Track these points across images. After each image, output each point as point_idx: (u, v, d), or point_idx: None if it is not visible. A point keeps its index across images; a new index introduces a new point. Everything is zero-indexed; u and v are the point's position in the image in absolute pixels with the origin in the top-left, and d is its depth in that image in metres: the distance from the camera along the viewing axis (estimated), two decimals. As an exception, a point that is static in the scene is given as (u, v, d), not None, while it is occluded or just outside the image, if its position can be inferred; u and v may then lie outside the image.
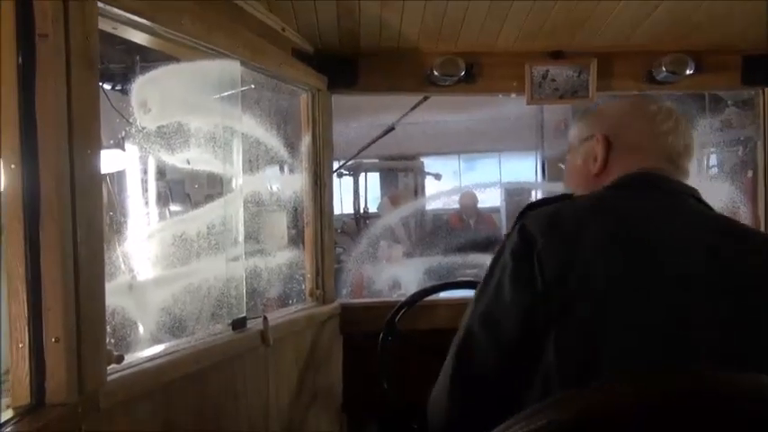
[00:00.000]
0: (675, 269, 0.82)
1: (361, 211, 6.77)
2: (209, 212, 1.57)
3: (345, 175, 6.57)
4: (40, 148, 0.89)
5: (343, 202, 6.59)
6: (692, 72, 1.99)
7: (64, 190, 0.92)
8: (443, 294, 1.93)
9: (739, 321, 0.79)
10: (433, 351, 1.12)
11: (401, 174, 7.47)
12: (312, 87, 1.95)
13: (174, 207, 4.24)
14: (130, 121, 1.36)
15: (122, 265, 1.61)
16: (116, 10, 1.08)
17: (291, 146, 2.12)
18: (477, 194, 5.91)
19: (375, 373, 1.68)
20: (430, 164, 7.49)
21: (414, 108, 2.29)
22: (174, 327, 1.51)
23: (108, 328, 1.06)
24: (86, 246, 0.96)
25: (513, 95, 2.11)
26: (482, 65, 2.03)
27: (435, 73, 1.96)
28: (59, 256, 0.91)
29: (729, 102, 4.92)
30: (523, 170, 7.25)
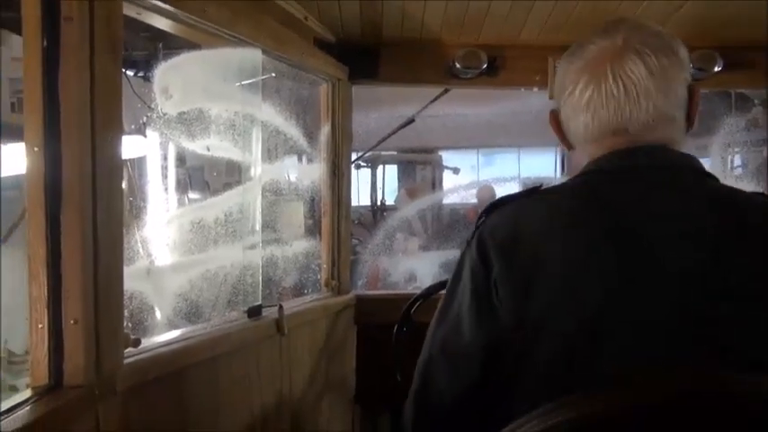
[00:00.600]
0: (670, 265, 0.75)
1: (379, 203, 6.78)
2: (227, 200, 1.57)
3: (363, 166, 6.57)
4: (62, 132, 0.90)
5: (360, 194, 6.60)
6: (719, 69, 1.95)
7: (85, 173, 0.92)
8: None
9: (742, 317, 0.73)
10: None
11: (419, 167, 7.46)
12: (333, 77, 1.94)
13: (192, 194, 4.28)
14: (152, 107, 1.36)
15: (141, 250, 1.63)
16: (140, -5, 1.08)
17: (310, 135, 2.12)
18: (495, 189, 5.88)
19: (389, 365, 1.68)
20: (448, 157, 7.47)
21: (434, 100, 2.28)
22: (191, 313, 1.53)
23: (125, 312, 1.08)
24: (106, 229, 0.97)
25: (536, 89, 2.09)
26: (505, 58, 2.00)
27: (457, 65, 1.94)
28: (80, 240, 0.92)
29: (756, 101, 4.83)
30: (543, 165, 7.19)
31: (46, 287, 0.90)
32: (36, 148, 0.89)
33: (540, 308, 0.76)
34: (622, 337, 0.73)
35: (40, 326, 0.90)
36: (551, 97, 2.06)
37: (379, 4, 1.71)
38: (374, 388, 1.99)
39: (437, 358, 0.86)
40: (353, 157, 2.14)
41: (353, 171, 2.35)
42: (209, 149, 1.45)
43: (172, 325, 1.45)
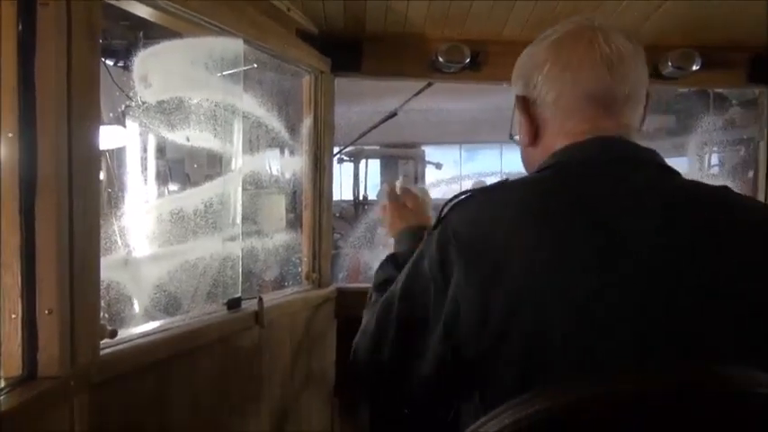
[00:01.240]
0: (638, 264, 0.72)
1: (361, 197, 6.77)
2: (206, 191, 1.56)
3: (346, 161, 6.56)
4: (38, 118, 0.88)
5: (342, 189, 6.59)
6: (698, 68, 1.97)
7: (61, 162, 0.91)
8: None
9: (717, 314, 0.71)
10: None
11: (401, 161, 7.47)
12: (315, 69, 1.93)
13: (172, 186, 4.24)
14: (130, 96, 1.34)
15: (119, 241, 1.61)
16: (119, -19, 1.06)
17: (292, 128, 2.11)
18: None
19: (368, 359, 1.69)
20: (431, 152, 7.48)
21: (417, 94, 2.27)
22: (169, 304, 1.51)
23: (102, 303, 1.06)
24: (82, 219, 0.95)
25: (518, 85, 2.10)
26: (488, 53, 2.01)
27: (440, 59, 1.95)
28: (55, 229, 0.90)
29: (734, 101, 4.92)
30: (524, 162, 7.21)
31: (19, 277, 0.88)
32: (10, 134, 0.87)
33: (505, 307, 0.72)
34: (598, 334, 0.70)
35: (13, 316, 0.89)
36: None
37: (362, -4, 1.71)
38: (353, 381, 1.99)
39: (393, 323, 0.85)
40: (335, 150, 2.13)
41: (336, 165, 2.35)
42: (188, 140, 1.44)
43: (150, 316, 1.44)
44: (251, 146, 1.82)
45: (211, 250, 1.50)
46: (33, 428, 0.86)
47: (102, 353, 1.03)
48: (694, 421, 0.58)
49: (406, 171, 7.40)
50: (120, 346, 1.10)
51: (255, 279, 2.08)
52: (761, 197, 2.16)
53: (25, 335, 0.89)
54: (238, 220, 1.57)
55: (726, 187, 0.82)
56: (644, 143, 0.85)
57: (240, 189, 1.57)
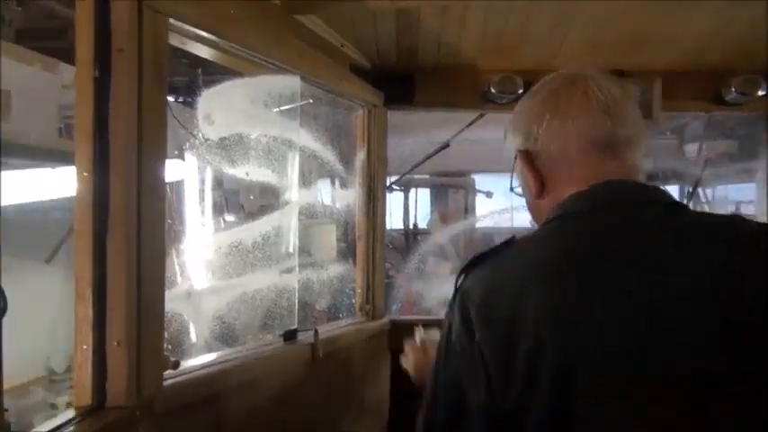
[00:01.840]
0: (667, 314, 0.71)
1: (411, 226, 6.76)
2: (264, 224, 1.59)
3: (396, 190, 6.58)
4: (111, 157, 0.93)
5: (392, 218, 6.59)
6: (763, 93, 1.90)
7: (131, 198, 0.95)
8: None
9: (742, 351, 0.70)
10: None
11: (451, 190, 7.42)
12: (368, 103, 1.96)
13: (228, 217, 4.34)
14: (194, 133, 1.40)
15: (178, 273, 1.65)
16: (185, 26, 1.12)
17: (344, 160, 2.14)
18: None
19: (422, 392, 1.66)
20: (481, 181, 7.42)
21: (469, 125, 2.28)
22: (227, 335, 1.54)
23: (165, 334, 1.09)
24: (149, 252, 0.99)
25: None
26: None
27: (492, 90, 1.95)
28: (125, 261, 0.94)
29: (801, 124, 4.68)
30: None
31: (92, 308, 0.92)
32: (86, 174, 0.92)
33: (523, 365, 0.73)
34: (624, 372, 0.70)
35: (84, 347, 0.92)
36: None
37: (415, 30, 1.73)
38: (407, 414, 1.95)
39: (442, 422, 0.83)
40: (388, 181, 2.15)
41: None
42: (248, 174, 1.48)
43: (209, 348, 1.47)
44: (304, 178, 1.86)
45: (269, 282, 1.52)
46: (101, 458, 0.88)
47: (165, 383, 1.05)
48: None
49: (456, 200, 7.35)
50: (182, 378, 1.12)
51: (310, 310, 2.09)
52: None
53: (95, 366, 0.92)
54: (295, 252, 1.59)
55: (736, 216, 0.82)
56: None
57: (296, 221, 1.60)
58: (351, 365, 1.81)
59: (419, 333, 1.43)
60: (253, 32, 1.31)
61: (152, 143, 0.99)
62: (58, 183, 2.18)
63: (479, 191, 7.24)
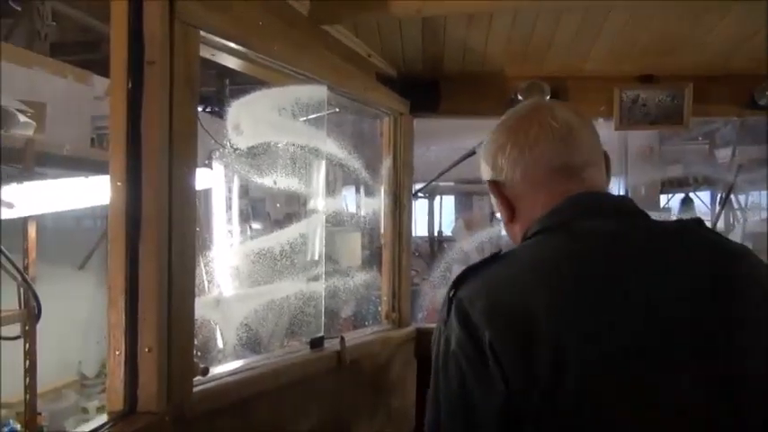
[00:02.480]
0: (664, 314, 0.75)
1: (436, 233, 6.75)
2: (291, 232, 1.61)
3: (421, 197, 6.57)
4: (143, 167, 0.95)
5: (417, 225, 6.59)
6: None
7: (163, 206, 0.97)
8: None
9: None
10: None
11: (476, 197, 7.39)
12: (395, 111, 1.97)
13: (255, 225, 4.39)
14: (223, 143, 1.42)
15: (206, 280, 1.67)
16: (215, 38, 1.14)
17: (370, 167, 2.14)
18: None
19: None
20: (507, 188, 7.37)
21: (495, 132, 2.26)
22: (255, 342, 1.55)
23: (195, 341, 1.10)
24: (180, 259, 1.00)
25: (600, 120, 2.05)
26: (568, 89, 1.98)
27: (519, 97, 1.93)
28: (156, 269, 0.95)
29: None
30: (604, 196, 6.96)
31: (124, 315, 0.94)
32: (119, 183, 0.94)
33: (547, 368, 0.74)
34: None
35: (117, 353, 0.94)
36: (616, 129, 2.01)
37: (441, 38, 1.73)
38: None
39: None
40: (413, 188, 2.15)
41: (412, 202, 2.36)
42: (275, 183, 1.50)
43: (236, 354, 1.48)
44: (330, 186, 1.87)
45: (295, 289, 1.53)
46: (132, 463, 0.89)
47: (195, 390, 1.06)
48: None
49: (481, 207, 7.33)
50: (211, 384, 1.13)
51: (335, 317, 2.10)
52: None
53: (127, 371, 0.94)
54: (321, 260, 1.60)
55: (689, 220, 0.88)
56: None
57: (322, 229, 1.61)
58: (377, 373, 1.81)
59: None
60: (281, 43, 1.33)
61: (183, 153, 1.01)
62: (90, 192, 2.23)
63: (505, 197, 7.19)
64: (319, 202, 1.65)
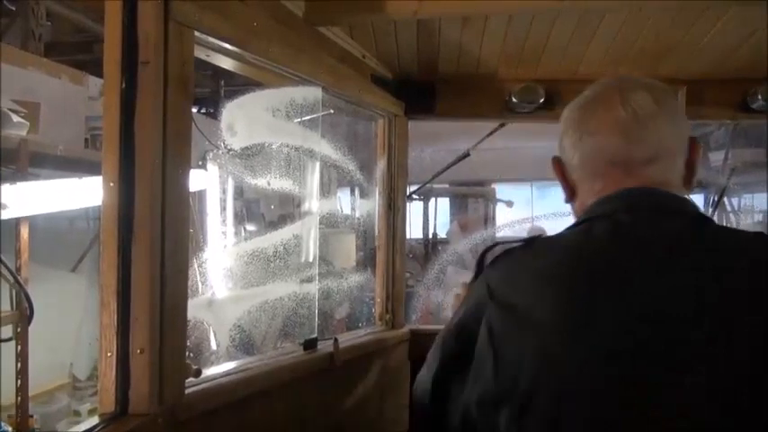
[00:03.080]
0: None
1: (430, 235, 6.74)
2: (285, 233, 1.60)
3: (415, 199, 6.57)
4: (137, 168, 0.94)
5: (412, 227, 6.58)
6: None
7: (156, 207, 0.96)
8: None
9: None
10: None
11: (471, 200, 7.40)
12: (389, 113, 1.97)
13: (249, 226, 4.38)
14: (217, 143, 1.42)
15: (199, 281, 1.67)
16: (210, 38, 1.13)
17: (364, 169, 2.14)
18: (545, 231, 5.73)
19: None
20: (502, 190, 7.39)
21: (490, 134, 2.27)
22: (248, 344, 1.55)
23: (187, 342, 1.10)
24: (173, 260, 1.00)
25: (594, 123, 2.05)
26: (562, 92, 1.98)
27: (514, 99, 1.94)
28: (149, 270, 0.95)
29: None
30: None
31: (116, 316, 0.93)
32: (112, 183, 0.93)
33: (529, 372, 0.76)
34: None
35: (108, 354, 0.93)
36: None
37: (436, 40, 1.73)
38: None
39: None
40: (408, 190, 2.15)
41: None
42: (269, 184, 1.50)
43: (229, 355, 1.47)
44: (324, 188, 1.87)
45: (289, 291, 1.53)
46: (124, 465, 0.89)
47: (187, 391, 1.06)
48: None
49: (476, 209, 7.34)
50: (203, 385, 1.13)
51: (329, 319, 2.09)
52: None
53: (119, 373, 0.93)
54: (315, 261, 1.60)
55: (760, 233, 0.83)
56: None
57: (316, 231, 1.61)
58: (370, 374, 1.81)
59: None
60: (275, 44, 1.33)
61: (177, 154, 1.01)
62: (84, 192, 2.22)
63: (500, 200, 7.21)
64: (313, 204, 1.65)
